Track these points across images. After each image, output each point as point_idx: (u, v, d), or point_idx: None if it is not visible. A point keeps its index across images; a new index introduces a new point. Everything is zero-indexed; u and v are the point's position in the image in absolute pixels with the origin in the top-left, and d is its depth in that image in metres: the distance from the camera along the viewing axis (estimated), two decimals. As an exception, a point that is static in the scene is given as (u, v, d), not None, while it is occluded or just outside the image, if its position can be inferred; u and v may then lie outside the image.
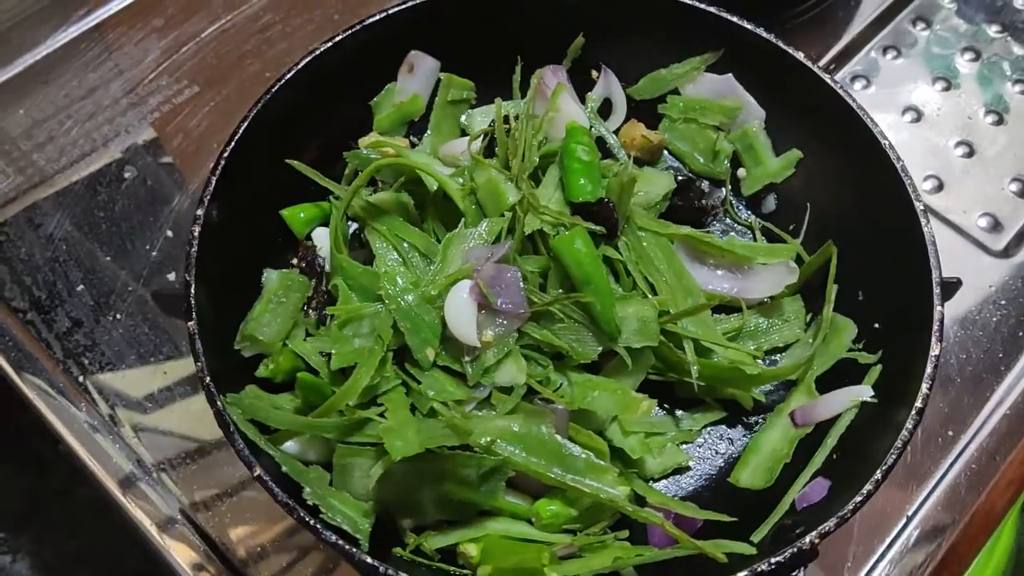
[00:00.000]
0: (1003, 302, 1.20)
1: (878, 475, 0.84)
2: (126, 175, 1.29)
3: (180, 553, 1.05)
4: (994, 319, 1.19)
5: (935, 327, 0.91)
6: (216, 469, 1.09)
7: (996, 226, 1.26)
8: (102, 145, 1.32)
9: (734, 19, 1.10)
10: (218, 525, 1.06)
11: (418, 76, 1.16)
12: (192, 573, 1.04)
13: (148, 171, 1.29)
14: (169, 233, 1.24)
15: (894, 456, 0.85)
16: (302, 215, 1.07)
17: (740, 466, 0.97)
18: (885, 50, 1.42)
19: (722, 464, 1.01)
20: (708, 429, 1.02)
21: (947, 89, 1.38)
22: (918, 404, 0.87)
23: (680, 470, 1.00)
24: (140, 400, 1.13)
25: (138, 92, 1.36)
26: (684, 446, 1.00)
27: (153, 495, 1.08)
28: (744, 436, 1.02)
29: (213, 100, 1.35)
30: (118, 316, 1.18)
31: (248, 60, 1.39)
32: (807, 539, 0.81)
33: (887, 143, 1.01)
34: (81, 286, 1.20)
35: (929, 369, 0.89)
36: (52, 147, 1.32)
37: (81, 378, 1.14)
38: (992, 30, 1.44)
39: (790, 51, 1.08)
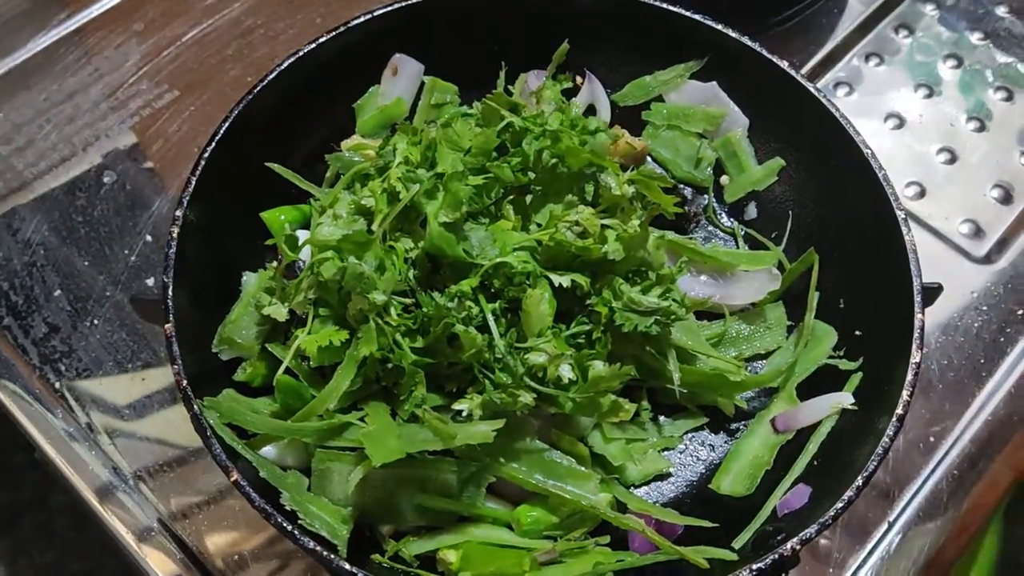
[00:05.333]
0: (984, 308, 1.20)
1: (859, 481, 0.83)
2: (105, 180, 1.28)
3: (158, 563, 1.04)
4: (975, 325, 1.19)
5: (916, 334, 0.91)
6: (194, 478, 1.08)
7: (978, 232, 1.26)
8: (81, 150, 1.31)
9: (719, 27, 1.10)
10: (196, 534, 1.04)
11: (402, 79, 1.16)
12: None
13: (127, 176, 1.28)
14: (148, 238, 1.23)
15: (875, 462, 0.84)
16: (283, 218, 1.06)
17: (721, 472, 0.97)
18: (868, 57, 1.43)
19: (703, 471, 1.00)
20: (690, 435, 1.02)
21: (929, 96, 1.39)
22: (899, 411, 0.87)
23: (661, 477, 0.99)
24: (117, 408, 1.12)
25: (118, 96, 1.35)
26: (666, 452, 1.00)
27: (130, 504, 1.06)
28: (726, 443, 1.01)
29: (193, 105, 1.34)
30: (95, 322, 1.17)
31: (229, 64, 1.38)
32: (788, 545, 0.81)
33: (869, 152, 1.01)
34: (58, 291, 1.19)
35: (910, 376, 0.89)
36: (31, 151, 1.31)
37: (57, 384, 1.13)
38: (974, 37, 1.44)
39: (774, 59, 1.08)
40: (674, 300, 0.91)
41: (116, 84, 1.36)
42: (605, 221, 0.92)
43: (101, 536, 1.07)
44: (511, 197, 0.97)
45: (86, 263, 1.21)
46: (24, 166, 1.30)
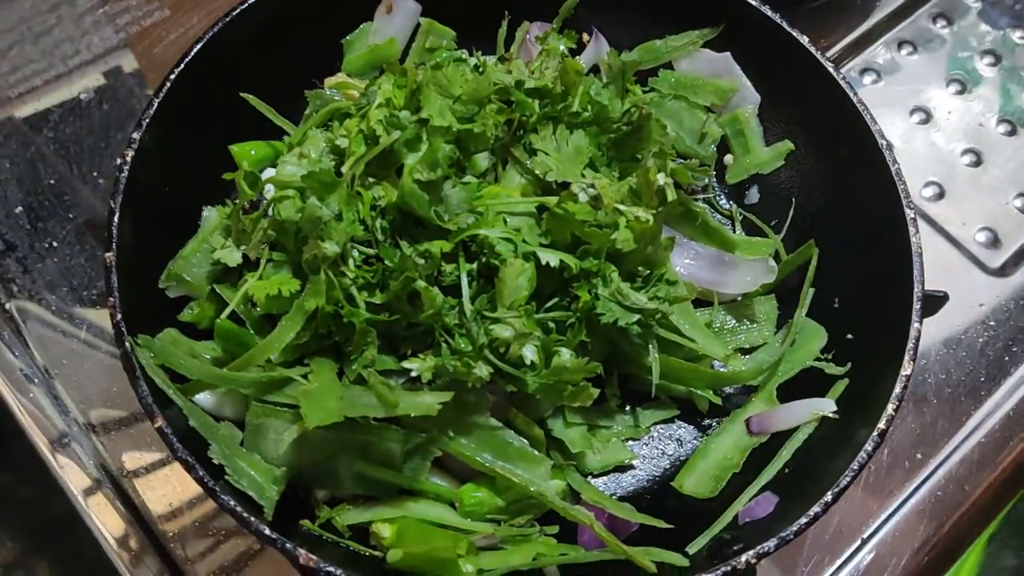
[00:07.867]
0: (992, 323, 1.13)
1: (828, 497, 0.77)
2: (82, 97, 1.22)
3: (103, 518, 0.99)
4: (980, 340, 1.12)
5: (910, 345, 0.84)
6: (145, 432, 1.03)
7: (995, 242, 1.19)
8: (60, 63, 1.24)
9: (739, -7, 1.03)
10: (142, 492, 1.00)
11: (397, 18, 1.08)
12: (115, 543, 0.98)
13: (105, 94, 1.22)
14: (119, 161, 1.16)
15: (848, 478, 0.78)
16: (253, 152, 0.99)
17: (686, 471, 0.91)
18: (901, 45, 1.34)
19: (668, 466, 0.94)
20: (658, 427, 0.96)
21: (961, 92, 1.30)
22: (881, 425, 0.81)
23: (623, 468, 0.94)
24: (67, 341, 1.07)
25: (105, 11, 1.28)
26: (630, 443, 0.94)
27: (80, 451, 1.01)
28: (695, 439, 0.95)
29: (183, 26, 1.27)
30: (54, 243, 1.11)
31: (226, -13, 1.31)
32: (743, 558, 0.75)
33: (884, 143, 0.94)
34: (20, 208, 1.13)
35: (898, 389, 0.82)
36: (7, 63, 1.24)
37: (8, 305, 1.08)
38: (1016, 36, 1.35)
39: (794, 34, 1.01)
40: (664, 299, 0.84)
41: (105, -3, 1.30)
42: (619, 206, 0.85)
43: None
44: (522, 140, 0.90)
45: (51, 181, 1.15)
46: None
